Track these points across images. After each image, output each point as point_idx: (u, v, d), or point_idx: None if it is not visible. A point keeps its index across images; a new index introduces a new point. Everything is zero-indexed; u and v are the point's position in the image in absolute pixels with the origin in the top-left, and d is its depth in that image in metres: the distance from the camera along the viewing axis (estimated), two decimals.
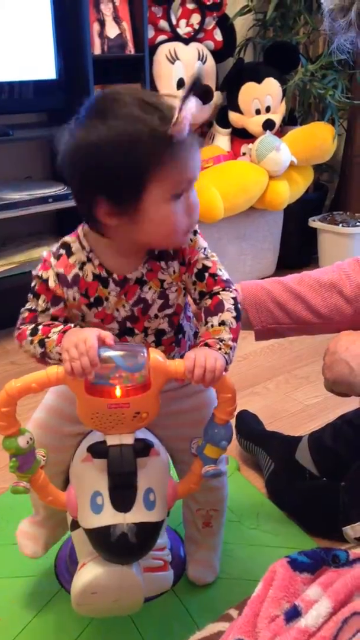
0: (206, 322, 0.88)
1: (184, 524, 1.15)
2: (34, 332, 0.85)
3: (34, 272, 0.89)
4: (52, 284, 0.87)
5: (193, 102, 0.77)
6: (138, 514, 0.83)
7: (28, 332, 0.86)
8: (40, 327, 0.85)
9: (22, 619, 1.07)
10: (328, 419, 1.38)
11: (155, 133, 0.76)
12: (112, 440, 0.84)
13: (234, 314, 0.88)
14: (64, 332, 0.83)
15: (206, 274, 0.90)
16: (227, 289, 0.90)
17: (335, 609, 0.54)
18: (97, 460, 0.84)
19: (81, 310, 0.89)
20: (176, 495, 0.91)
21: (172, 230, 0.84)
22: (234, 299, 0.89)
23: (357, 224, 2.59)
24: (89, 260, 0.87)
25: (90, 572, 0.86)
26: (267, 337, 1.22)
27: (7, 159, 2.19)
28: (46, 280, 0.87)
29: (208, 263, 0.90)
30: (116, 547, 0.82)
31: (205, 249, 0.91)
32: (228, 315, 0.87)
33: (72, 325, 0.85)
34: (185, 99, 0.76)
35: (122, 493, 0.83)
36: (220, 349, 0.83)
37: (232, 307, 0.88)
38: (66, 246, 0.88)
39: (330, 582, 0.57)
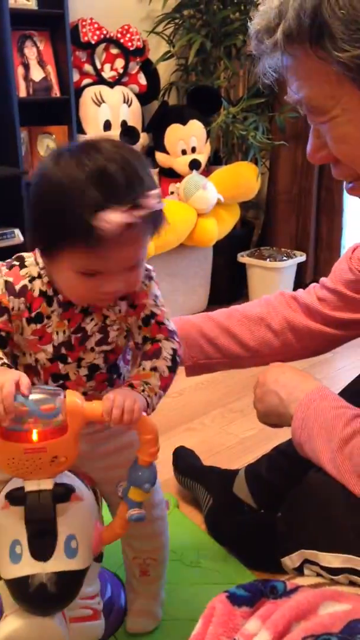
0: (139, 365, 0.88)
1: (125, 570, 1.12)
2: None
3: None
4: None
5: (139, 213, 0.74)
6: (58, 563, 0.80)
7: None
8: None
9: None
10: (264, 450, 1.39)
11: (81, 212, 0.74)
12: (30, 485, 0.81)
13: (169, 363, 0.88)
14: None
15: (152, 321, 0.90)
16: (170, 339, 0.90)
17: None
18: (15, 507, 0.81)
19: (22, 323, 0.88)
20: (102, 541, 0.89)
21: (76, 296, 0.86)
22: (174, 350, 0.90)
23: (284, 258, 2.68)
24: (40, 276, 0.87)
25: (9, 624, 0.83)
26: (199, 373, 1.24)
27: None
28: None
29: (157, 310, 0.91)
30: (35, 597, 0.79)
31: (157, 296, 0.91)
32: (162, 363, 0.88)
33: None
34: (133, 206, 0.74)
35: (41, 541, 0.80)
36: (143, 390, 0.84)
37: (170, 356, 0.88)
38: (20, 258, 0.89)
39: (269, 614, 0.57)
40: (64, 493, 0.82)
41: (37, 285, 0.87)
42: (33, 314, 0.87)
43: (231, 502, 1.36)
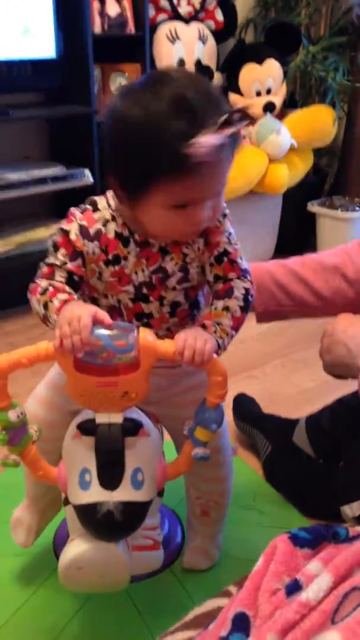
0: (211, 304, 0.88)
1: (186, 508, 1.15)
2: (43, 291, 0.85)
3: (58, 227, 0.89)
4: (73, 236, 0.87)
5: (228, 131, 0.73)
6: (125, 493, 0.83)
7: (39, 289, 0.86)
8: (50, 288, 0.85)
9: (21, 596, 1.08)
10: (325, 402, 1.38)
11: (170, 143, 0.73)
12: (101, 418, 0.84)
13: (242, 303, 0.87)
14: (66, 301, 0.82)
15: (225, 259, 0.89)
16: (242, 277, 0.89)
17: (335, 584, 0.55)
18: (86, 437, 0.84)
19: (99, 267, 0.89)
20: (166, 477, 0.91)
21: (166, 232, 0.85)
22: (247, 289, 0.89)
23: (356, 208, 2.58)
24: (113, 218, 0.88)
25: (76, 547, 0.87)
26: (269, 320, 1.22)
27: (5, 139, 2.17)
28: (68, 232, 0.87)
29: (230, 248, 0.90)
30: (102, 524, 0.82)
31: (231, 234, 0.90)
32: (234, 303, 0.87)
33: (76, 297, 0.85)
34: (221, 127, 0.73)
35: (109, 471, 0.83)
36: (215, 332, 0.83)
37: (242, 296, 0.88)
38: (93, 202, 0.89)
39: (331, 557, 0.58)
40: (132, 427, 0.84)
41: (112, 227, 0.88)
42: (110, 256, 0.88)
43: (290, 450, 1.37)
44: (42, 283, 0.86)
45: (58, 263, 0.87)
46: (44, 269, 0.88)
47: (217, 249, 0.89)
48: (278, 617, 0.53)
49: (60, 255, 0.87)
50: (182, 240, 0.87)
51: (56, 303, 0.82)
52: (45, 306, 0.84)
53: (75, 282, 0.88)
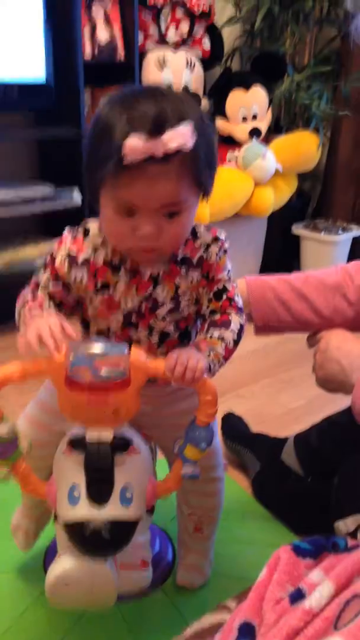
0: (207, 332, 0.89)
1: (177, 526, 1.15)
2: (23, 304, 0.87)
3: (53, 243, 0.90)
4: (58, 262, 0.88)
5: (171, 135, 0.73)
6: (113, 510, 0.83)
7: (22, 299, 0.88)
8: (30, 301, 0.87)
9: (11, 615, 1.07)
10: (312, 421, 1.40)
11: (111, 140, 0.75)
12: (91, 434, 0.84)
13: (235, 337, 0.89)
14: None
15: (224, 296, 0.91)
16: (239, 314, 0.91)
17: (337, 592, 0.56)
18: (76, 452, 0.85)
19: (88, 294, 0.89)
20: (156, 494, 0.91)
21: (118, 242, 0.84)
22: (241, 325, 0.90)
23: (339, 232, 2.64)
24: (104, 244, 0.88)
25: (63, 563, 0.87)
26: (267, 333, 1.23)
27: None
28: (54, 258, 0.89)
29: (229, 286, 0.91)
30: (89, 541, 0.82)
31: (229, 271, 0.92)
32: (229, 335, 0.88)
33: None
34: (156, 137, 0.74)
35: (98, 488, 0.83)
36: (209, 355, 0.84)
37: (237, 330, 0.89)
38: (85, 228, 0.90)
39: (332, 566, 0.59)
40: (122, 444, 0.85)
41: (101, 255, 0.88)
42: (99, 284, 0.88)
43: (279, 468, 1.37)
44: (28, 295, 0.88)
45: (41, 284, 0.89)
46: (32, 283, 0.90)
47: (217, 286, 0.91)
48: (282, 625, 0.54)
49: (44, 277, 0.89)
50: (137, 258, 0.86)
51: (27, 315, 0.84)
52: (19, 314, 0.86)
53: (57, 305, 0.89)
